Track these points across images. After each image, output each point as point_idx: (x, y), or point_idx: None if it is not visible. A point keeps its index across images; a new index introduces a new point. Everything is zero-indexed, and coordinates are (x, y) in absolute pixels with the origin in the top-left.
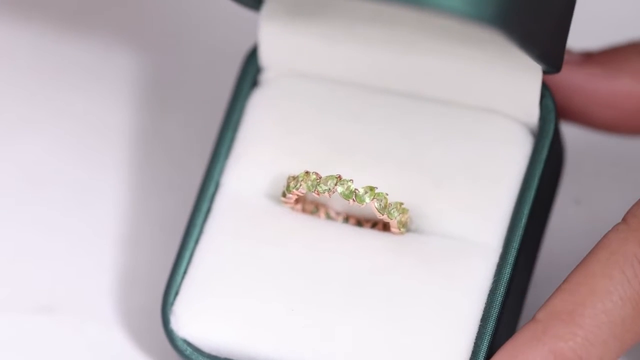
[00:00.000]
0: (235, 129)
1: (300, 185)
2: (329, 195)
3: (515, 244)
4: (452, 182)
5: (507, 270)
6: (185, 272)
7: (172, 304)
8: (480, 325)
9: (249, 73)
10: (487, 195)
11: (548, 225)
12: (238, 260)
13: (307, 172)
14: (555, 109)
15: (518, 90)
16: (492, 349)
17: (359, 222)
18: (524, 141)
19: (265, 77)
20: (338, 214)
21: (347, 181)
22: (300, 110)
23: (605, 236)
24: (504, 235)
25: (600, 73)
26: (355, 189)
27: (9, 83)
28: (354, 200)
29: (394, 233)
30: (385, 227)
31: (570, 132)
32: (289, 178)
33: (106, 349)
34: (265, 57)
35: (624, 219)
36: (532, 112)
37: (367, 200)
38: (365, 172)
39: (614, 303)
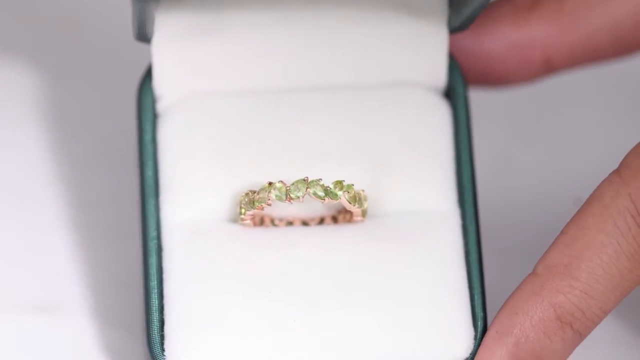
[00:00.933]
0: (154, 164)
1: (268, 197)
2: (301, 199)
3: (470, 203)
4: (393, 160)
5: (473, 229)
6: (161, 314)
7: (163, 349)
8: (470, 289)
9: (148, 104)
10: (429, 164)
11: (548, 225)
12: (218, 289)
13: (270, 183)
14: (458, 66)
15: (426, 58)
16: (485, 309)
17: (304, 222)
18: (440, 105)
19: (165, 105)
20: (281, 220)
21: (317, 181)
22: (218, 130)
23: (599, 188)
24: (456, 197)
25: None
26: (327, 187)
27: None
28: (329, 198)
29: (355, 222)
30: (335, 219)
31: (571, 132)
32: (246, 195)
33: (106, 349)
34: (162, 85)
35: (617, 170)
36: (440, 76)
37: (340, 194)
38: (309, 171)
39: (609, 256)
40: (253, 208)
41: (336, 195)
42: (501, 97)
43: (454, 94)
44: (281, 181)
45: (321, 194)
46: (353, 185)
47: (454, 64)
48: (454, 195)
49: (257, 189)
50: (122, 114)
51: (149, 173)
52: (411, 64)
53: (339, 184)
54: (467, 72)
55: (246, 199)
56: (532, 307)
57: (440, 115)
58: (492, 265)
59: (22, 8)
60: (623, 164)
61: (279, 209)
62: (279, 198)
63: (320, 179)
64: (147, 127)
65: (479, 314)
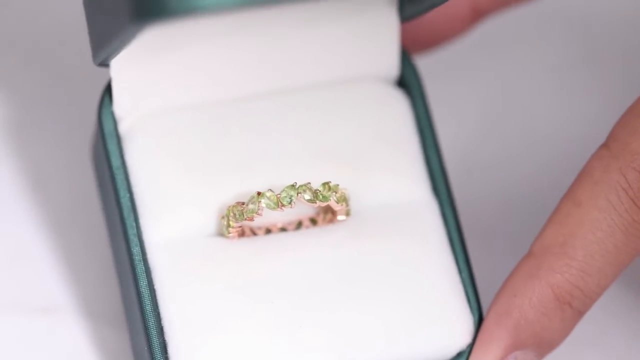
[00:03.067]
0: (128, 188)
1: (259, 207)
2: (293, 206)
3: (444, 189)
4: (364, 155)
5: (451, 214)
6: (162, 336)
7: None
8: (460, 275)
9: (110, 127)
10: (400, 156)
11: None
12: (220, 301)
13: (259, 193)
14: (408, 55)
15: (378, 50)
16: (477, 292)
17: (283, 228)
18: (397, 96)
19: (127, 126)
20: (259, 228)
21: (307, 185)
22: (186, 145)
23: (588, 163)
24: (430, 185)
25: None
26: (316, 189)
27: None
28: (319, 201)
29: (338, 221)
30: (314, 221)
31: (572, 133)
32: (233, 207)
33: (106, 349)
34: (122, 106)
35: (606, 143)
36: (393, 67)
37: (329, 196)
38: (285, 176)
39: (603, 232)
40: (242, 219)
41: (326, 197)
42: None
43: (409, 83)
44: (270, 190)
45: (311, 198)
46: (339, 185)
47: (405, 53)
48: (427, 184)
49: (238, 199)
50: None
51: (125, 198)
52: (365, 57)
53: (327, 185)
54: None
55: (234, 211)
56: (530, 288)
57: (399, 106)
58: (476, 249)
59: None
60: (611, 137)
61: (257, 218)
62: (270, 207)
63: (309, 183)
64: (114, 150)
65: (472, 299)
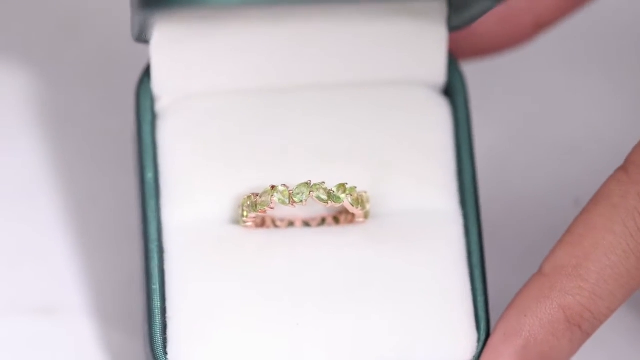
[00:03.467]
0: (154, 166)
1: (271, 200)
2: (305, 203)
3: (472, 203)
4: (394, 159)
5: (475, 229)
6: (164, 317)
7: (165, 352)
8: (472, 290)
9: (146, 105)
10: (431, 163)
11: (548, 225)
12: (221, 292)
13: (273, 186)
14: (457, 64)
15: (425, 56)
16: (488, 311)
17: (306, 223)
18: (441, 104)
19: (163, 105)
20: (282, 220)
21: (321, 184)
22: (219, 129)
23: (606, 185)
24: (458, 197)
25: None
26: (330, 190)
27: None
28: (332, 201)
29: (357, 223)
30: (337, 219)
31: (572, 133)
32: (248, 197)
33: (106, 349)
34: (160, 84)
35: (624, 167)
36: (440, 74)
37: (343, 198)
38: (310, 172)
39: (618, 256)
40: (255, 211)
41: (339, 198)
42: (499, 95)
43: (454, 92)
44: (284, 184)
45: (324, 197)
46: (356, 187)
47: (454, 61)
48: (455, 196)
49: (258, 191)
50: (119, 116)
51: (150, 175)
52: (411, 61)
53: (342, 187)
54: (458, 50)
55: (248, 202)
56: (541, 309)
57: (441, 113)
58: (494, 265)
59: (21, 9)
60: (629, 161)
61: (281, 209)
62: (282, 202)
63: (323, 182)
64: (146, 128)
65: (482, 316)
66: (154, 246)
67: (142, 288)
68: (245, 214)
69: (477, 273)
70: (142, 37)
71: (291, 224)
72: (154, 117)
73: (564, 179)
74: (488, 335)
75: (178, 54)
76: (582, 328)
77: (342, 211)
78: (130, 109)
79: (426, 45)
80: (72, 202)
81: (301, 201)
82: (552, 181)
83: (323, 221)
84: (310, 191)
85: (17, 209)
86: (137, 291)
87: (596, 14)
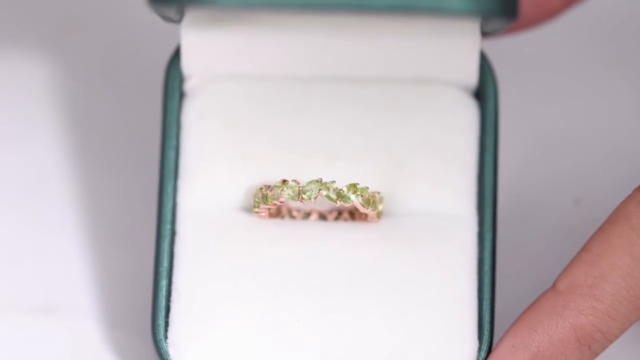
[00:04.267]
0: (176, 146)
1: (281, 195)
2: (314, 200)
3: (490, 210)
4: (413, 160)
5: (489, 236)
6: (168, 300)
7: (166, 335)
8: (479, 298)
9: (174, 84)
10: (450, 166)
11: (548, 225)
12: (226, 281)
13: (284, 181)
14: (490, 67)
15: (457, 57)
16: (493, 321)
17: (322, 216)
18: (469, 106)
19: (191, 85)
20: (298, 211)
21: (331, 183)
22: (242, 115)
23: (624, 206)
24: (475, 202)
25: None
26: (340, 189)
27: None
28: (341, 201)
29: (370, 221)
30: (352, 215)
31: (572, 133)
32: (260, 189)
33: (106, 349)
34: (189, 65)
35: None
36: (471, 75)
37: (353, 198)
38: (326, 167)
39: (634, 279)
40: (266, 204)
41: (348, 198)
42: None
43: (485, 95)
44: (295, 180)
45: (333, 196)
46: (367, 188)
47: (487, 64)
48: (473, 201)
49: (271, 183)
50: (131, 116)
51: (171, 154)
52: (442, 61)
53: (353, 186)
54: None
55: (260, 194)
56: (553, 326)
57: (468, 115)
58: (504, 274)
59: (34, 3)
60: None
61: (296, 201)
62: (291, 197)
63: (334, 181)
64: (172, 106)
65: (486, 326)
66: (166, 228)
67: (151, 270)
68: (257, 204)
69: (487, 281)
70: (168, 19)
71: (307, 215)
72: (181, 96)
73: (581, 190)
74: (490, 345)
75: (207, 35)
76: (591, 348)
77: (357, 207)
78: (141, 109)
79: (459, 45)
80: (79, 201)
81: (310, 198)
82: (568, 191)
83: (339, 214)
84: (319, 189)
85: (24, 208)
86: (142, 291)
87: (596, 15)
